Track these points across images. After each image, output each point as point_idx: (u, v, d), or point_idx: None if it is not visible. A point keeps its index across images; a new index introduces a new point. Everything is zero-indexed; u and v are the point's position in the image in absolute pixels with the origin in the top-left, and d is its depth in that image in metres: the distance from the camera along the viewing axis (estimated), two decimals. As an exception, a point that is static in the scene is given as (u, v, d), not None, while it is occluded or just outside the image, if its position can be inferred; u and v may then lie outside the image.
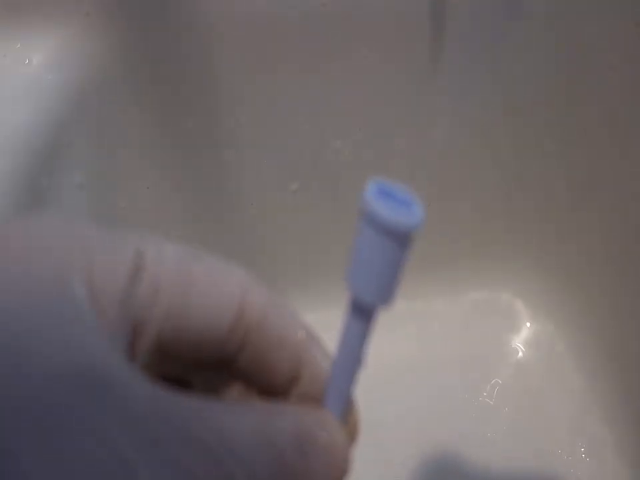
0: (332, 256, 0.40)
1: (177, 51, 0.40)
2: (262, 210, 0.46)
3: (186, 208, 0.45)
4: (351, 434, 0.19)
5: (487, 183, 0.47)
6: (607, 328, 0.45)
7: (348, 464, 0.17)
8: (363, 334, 0.17)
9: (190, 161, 0.44)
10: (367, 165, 0.45)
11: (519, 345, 0.48)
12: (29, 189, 0.33)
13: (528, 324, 0.49)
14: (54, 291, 0.15)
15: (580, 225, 0.46)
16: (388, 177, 0.48)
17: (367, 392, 0.44)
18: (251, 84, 0.41)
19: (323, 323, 0.25)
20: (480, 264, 0.50)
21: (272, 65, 0.41)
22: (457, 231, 0.49)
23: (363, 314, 0.16)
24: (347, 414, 0.18)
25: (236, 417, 0.15)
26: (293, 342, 0.18)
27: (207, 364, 0.18)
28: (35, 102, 0.35)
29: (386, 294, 0.16)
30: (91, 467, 0.13)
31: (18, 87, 0.35)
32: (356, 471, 0.43)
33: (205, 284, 0.17)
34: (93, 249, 0.16)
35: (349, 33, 0.40)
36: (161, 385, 0.15)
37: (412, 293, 0.50)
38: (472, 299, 0.50)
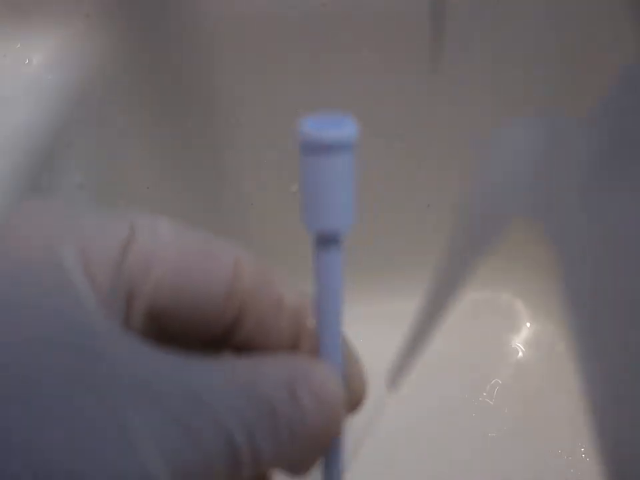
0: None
1: (177, 51, 0.40)
2: (262, 211, 0.46)
3: (186, 208, 0.45)
4: (356, 386, 0.18)
5: (486, 183, 0.47)
6: (607, 328, 0.45)
7: (343, 407, 0.16)
8: (337, 266, 0.16)
9: (190, 161, 0.44)
10: (367, 165, 0.45)
11: (518, 345, 0.48)
12: (29, 188, 0.33)
13: (528, 324, 0.49)
14: (45, 261, 0.15)
15: (580, 225, 0.46)
16: (388, 177, 0.48)
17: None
18: (251, 84, 0.41)
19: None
20: (480, 264, 0.50)
21: (272, 65, 0.41)
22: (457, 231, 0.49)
23: (330, 246, 0.16)
24: (347, 362, 0.18)
25: (229, 369, 0.15)
26: (290, 308, 0.18)
27: (207, 339, 0.18)
28: (35, 102, 0.35)
29: (344, 214, 0.16)
30: (86, 425, 0.13)
31: (18, 86, 0.35)
32: (354, 470, 0.43)
33: (197, 255, 0.17)
34: (85, 224, 0.16)
35: (349, 33, 0.40)
36: (155, 346, 0.15)
37: (412, 292, 0.50)
38: (472, 299, 0.50)
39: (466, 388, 0.46)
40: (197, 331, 0.18)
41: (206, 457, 0.14)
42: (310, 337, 0.18)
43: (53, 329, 0.14)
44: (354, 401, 0.19)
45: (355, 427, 0.19)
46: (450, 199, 0.48)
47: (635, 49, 0.40)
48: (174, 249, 0.17)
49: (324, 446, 0.16)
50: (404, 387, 0.49)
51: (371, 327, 0.46)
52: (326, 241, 0.16)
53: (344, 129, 0.15)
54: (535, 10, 0.40)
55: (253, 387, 0.15)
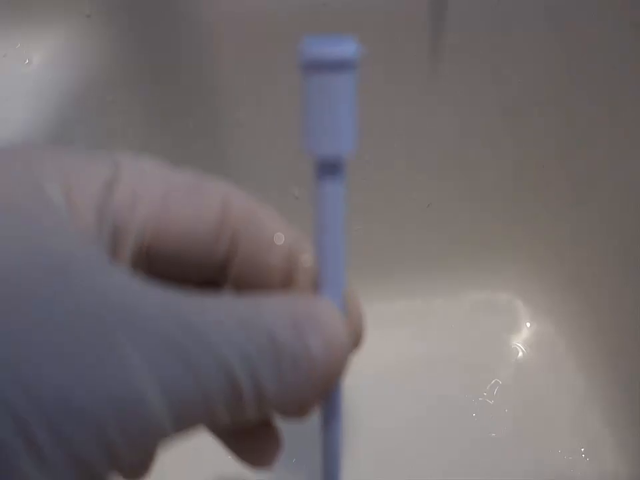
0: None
1: (177, 51, 0.40)
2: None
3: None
4: (356, 323, 0.18)
5: (486, 182, 0.47)
6: (607, 328, 0.45)
7: (348, 344, 0.16)
8: (340, 194, 0.16)
9: (190, 161, 0.44)
10: (367, 165, 0.45)
11: (518, 344, 0.48)
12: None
13: (528, 324, 0.49)
14: (30, 196, 0.14)
15: (580, 225, 0.46)
16: (387, 177, 0.48)
17: (366, 392, 0.44)
18: (252, 84, 0.41)
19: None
20: (480, 264, 0.50)
21: (272, 65, 0.41)
22: (457, 230, 0.49)
23: (333, 171, 0.16)
24: (346, 301, 0.17)
25: (227, 304, 0.14)
26: (283, 244, 0.18)
27: (199, 280, 0.18)
28: (35, 102, 0.35)
29: (347, 137, 0.15)
30: (75, 343, 0.13)
31: (18, 87, 0.35)
32: (354, 470, 0.43)
33: (184, 190, 0.17)
34: (68, 161, 0.16)
35: (349, 32, 0.40)
36: (147, 280, 0.14)
37: (412, 292, 0.50)
38: (472, 299, 0.50)
39: (466, 388, 0.46)
40: (188, 270, 0.17)
41: (205, 391, 0.13)
42: (305, 275, 0.18)
43: (38, 254, 0.13)
44: (354, 339, 0.18)
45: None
46: (450, 199, 0.48)
47: (634, 48, 0.40)
48: (160, 185, 0.16)
49: (328, 386, 0.15)
50: (403, 386, 0.49)
51: (371, 327, 0.46)
52: (328, 168, 0.15)
53: (347, 46, 0.15)
54: (534, 10, 0.40)
55: (254, 322, 0.14)
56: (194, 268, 0.17)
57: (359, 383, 0.44)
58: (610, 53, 0.41)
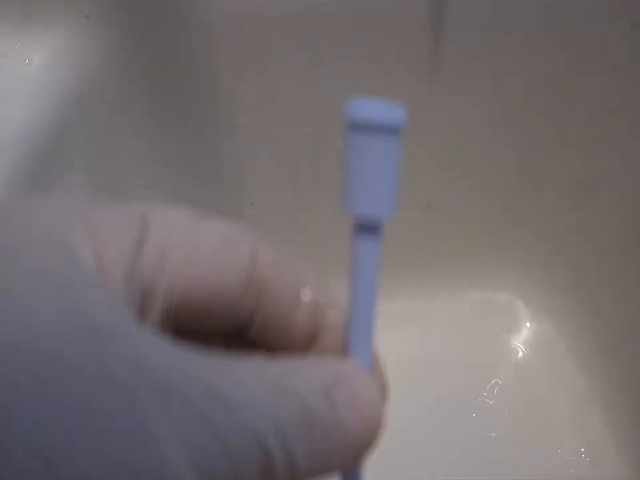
0: (333, 256, 0.40)
1: (177, 51, 0.40)
2: (262, 210, 0.46)
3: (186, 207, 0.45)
4: (381, 381, 0.17)
5: (486, 182, 0.47)
6: (607, 328, 0.45)
7: (382, 414, 0.15)
8: (375, 255, 0.16)
9: (190, 161, 0.44)
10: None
11: (518, 344, 0.48)
12: (29, 188, 0.33)
13: (528, 324, 0.49)
14: (59, 256, 0.14)
15: (580, 225, 0.46)
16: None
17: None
18: (252, 84, 0.41)
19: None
20: (480, 264, 0.50)
21: (273, 65, 0.41)
22: (457, 231, 0.49)
23: (370, 233, 0.16)
24: (374, 362, 0.16)
25: (258, 370, 0.14)
26: (310, 300, 0.17)
27: (223, 330, 0.17)
28: (35, 102, 0.35)
29: (389, 201, 0.15)
30: (101, 414, 0.12)
31: (18, 86, 0.35)
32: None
33: (212, 244, 0.16)
34: (95, 216, 0.15)
35: (350, 32, 0.40)
36: (177, 342, 0.14)
37: (412, 292, 0.50)
38: (472, 298, 0.50)
39: (466, 388, 0.46)
40: (213, 325, 0.17)
41: (236, 462, 0.13)
42: (332, 333, 0.17)
43: (67, 318, 0.13)
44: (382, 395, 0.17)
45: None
46: (450, 199, 0.48)
47: (634, 48, 0.40)
48: (188, 240, 0.16)
49: (360, 455, 0.15)
50: (403, 386, 0.49)
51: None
52: (366, 229, 0.15)
53: (395, 111, 0.15)
54: (534, 10, 0.40)
55: (286, 388, 0.14)
56: (219, 323, 0.17)
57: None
58: (610, 53, 0.41)
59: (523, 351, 0.48)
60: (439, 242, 0.49)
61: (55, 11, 0.37)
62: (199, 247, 0.16)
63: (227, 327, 0.17)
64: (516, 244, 0.50)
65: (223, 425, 0.13)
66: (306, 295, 0.17)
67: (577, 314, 0.47)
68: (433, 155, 0.46)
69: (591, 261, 0.46)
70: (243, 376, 0.14)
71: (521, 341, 0.48)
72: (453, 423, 0.44)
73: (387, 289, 0.49)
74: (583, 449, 0.43)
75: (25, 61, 0.37)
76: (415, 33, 0.40)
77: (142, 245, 0.16)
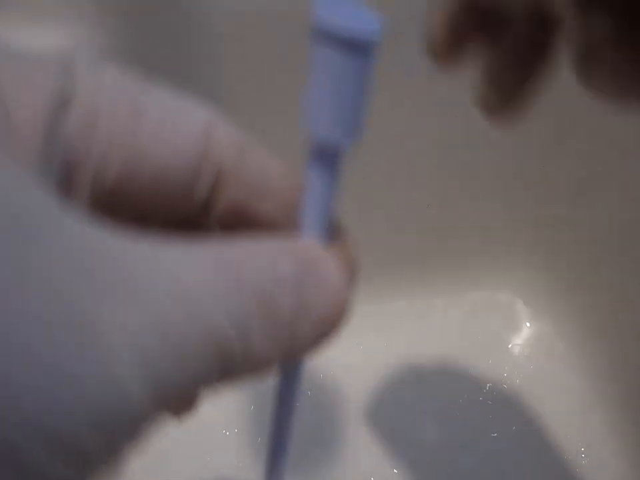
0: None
1: (178, 52, 0.40)
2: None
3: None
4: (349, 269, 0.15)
5: (486, 182, 0.47)
6: (608, 328, 0.45)
7: (348, 300, 0.13)
8: (328, 186, 0.14)
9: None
10: (367, 164, 0.45)
11: (518, 344, 0.48)
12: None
13: (528, 324, 0.49)
14: None
15: (580, 225, 0.46)
16: (388, 177, 0.48)
17: (366, 392, 0.44)
18: (252, 85, 0.41)
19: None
20: (480, 264, 0.50)
21: (273, 65, 0.41)
22: (457, 230, 0.49)
23: (326, 160, 0.14)
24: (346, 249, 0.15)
25: (215, 255, 0.12)
26: (279, 189, 0.15)
27: (174, 218, 0.15)
28: (35, 102, 0.35)
29: (348, 127, 0.13)
30: (39, 330, 0.10)
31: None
32: (354, 470, 0.43)
33: (157, 112, 0.14)
34: (4, 68, 0.13)
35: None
36: (113, 227, 0.11)
37: (412, 292, 0.50)
38: (472, 298, 0.50)
39: (466, 388, 0.46)
40: (160, 212, 0.15)
41: (193, 367, 0.11)
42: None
43: None
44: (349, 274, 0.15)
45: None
46: (450, 199, 0.48)
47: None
48: (127, 103, 0.13)
49: (319, 345, 0.13)
50: (403, 386, 0.49)
51: (370, 327, 0.46)
52: (321, 154, 0.14)
53: (369, 22, 0.12)
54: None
55: (247, 276, 0.12)
56: (168, 208, 0.15)
57: (359, 383, 0.44)
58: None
59: (522, 351, 0.48)
60: (439, 242, 0.49)
61: (55, 10, 0.37)
62: (141, 115, 0.13)
63: (177, 213, 0.15)
64: (516, 244, 0.50)
65: (179, 328, 0.11)
66: (278, 180, 0.15)
67: (577, 314, 0.47)
68: (432, 154, 0.46)
69: (591, 261, 0.46)
70: (198, 262, 0.12)
71: (520, 340, 0.48)
72: (452, 423, 0.44)
73: (386, 289, 0.49)
74: (582, 449, 0.43)
75: (25, 60, 0.37)
76: (414, 33, 0.40)
77: (65, 104, 0.13)
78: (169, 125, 0.14)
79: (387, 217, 0.48)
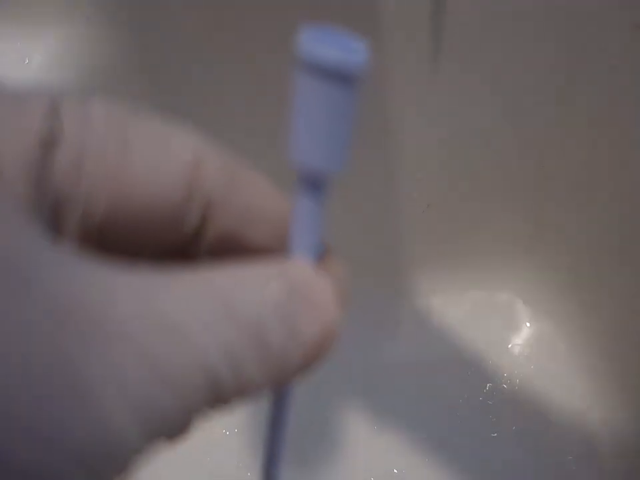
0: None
1: (178, 52, 0.40)
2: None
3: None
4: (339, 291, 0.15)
5: (486, 182, 0.47)
6: (607, 328, 0.45)
7: (337, 325, 0.13)
8: (316, 217, 0.14)
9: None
10: (366, 164, 0.45)
11: (518, 344, 0.48)
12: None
13: (528, 324, 0.49)
14: None
15: (580, 225, 0.46)
16: (388, 177, 0.48)
17: (366, 392, 0.44)
18: (253, 85, 0.41)
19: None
20: (480, 264, 0.50)
21: (274, 65, 0.41)
22: (457, 231, 0.49)
23: (313, 188, 0.14)
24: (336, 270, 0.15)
25: (204, 285, 0.12)
26: (271, 216, 0.15)
27: (162, 249, 0.15)
28: (35, 102, 0.35)
29: (334, 156, 0.13)
30: (30, 378, 0.10)
31: (18, 86, 0.35)
32: (354, 470, 0.43)
33: (144, 144, 0.14)
34: None
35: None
36: (102, 257, 0.11)
37: (412, 292, 0.50)
38: (472, 298, 0.50)
39: (466, 388, 0.46)
40: (151, 242, 0.15)
41: (184, 401, 0.11)
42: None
43: None
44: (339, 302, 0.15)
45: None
46: (450, 199, 0.48)
47: (634, 48, 0.40)
48: (113, 139, 0.13)
49: (308, 370, 0.13)
50: (403, 386, 0.49)
51: (370, 327, 0.46)
52: (310, 181, 0.14)
53: (355, 53, 0.13)
54: (534, 8, 0.40)
55: (237, 304, 0.12)
56: (158, 240, 0.15)
57: (358, 383, 0.44)
58: (610, 53, 0.41)
59: (522, 351, 0.48)
60: (439, 242, 0.49)
61: (55, 11, 0.37)
62: (128, 150, 0.14)
63: (167, 243, 0.15)
64: (516, 244, 0.50)
65: (168, 362, 0.11)
66: (270, 209, 0.15)
67: (577, 314, 0.47)
68: (432, 154, 0.46)
69: (591, 261, 0.46)
70: (186, 293, 0.12)
71: (520, 340, 0.48)
72: (452, 423, 0.44)
73: (386, 289, 0.49)
74: (583, 449, 0.43)
75: (25, 61, 0.37)
76: (415, 33, 0.40)
77: (51, 147, 0.13)
78: (157, 159, 0.14)
79: (387, 217, 0.48)
